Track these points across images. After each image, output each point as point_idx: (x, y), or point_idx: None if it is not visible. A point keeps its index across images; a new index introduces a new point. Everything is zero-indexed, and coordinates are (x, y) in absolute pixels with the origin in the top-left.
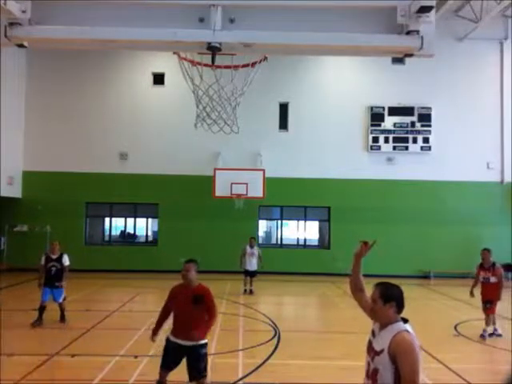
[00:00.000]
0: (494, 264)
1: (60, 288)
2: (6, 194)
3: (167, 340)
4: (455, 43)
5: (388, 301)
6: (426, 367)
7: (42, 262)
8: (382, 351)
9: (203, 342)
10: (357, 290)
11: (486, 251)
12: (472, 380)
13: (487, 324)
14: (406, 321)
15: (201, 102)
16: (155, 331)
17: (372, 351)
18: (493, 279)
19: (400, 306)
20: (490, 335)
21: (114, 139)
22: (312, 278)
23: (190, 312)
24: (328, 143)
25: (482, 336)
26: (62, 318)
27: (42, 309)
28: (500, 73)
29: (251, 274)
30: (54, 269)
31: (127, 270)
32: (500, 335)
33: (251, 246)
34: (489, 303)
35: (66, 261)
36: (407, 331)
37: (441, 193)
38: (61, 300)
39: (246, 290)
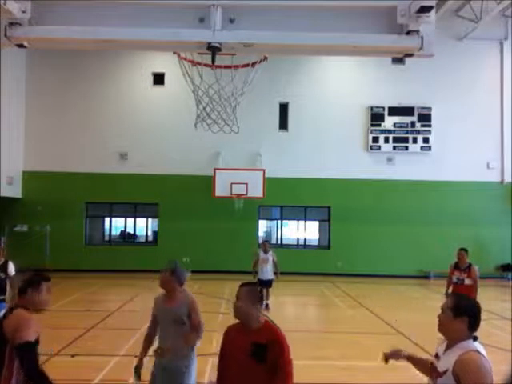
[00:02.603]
0: (470, 265)
1: (3, 303)
2: (5, 194)
3: None
4: (455, 43)
5: (460, 315)
6: None
7: None
8: (445, 372)
9: None
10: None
11: (462, 251)
12: None
13: None
14: (475, 338)
15: (201, 102)
16: None
17: (434, 373)
18: (467, 281)
19: (473, 325)
20: None
21: (114, 139)
22: (312, 277)
23: (247, 373)
24: (328, 143)
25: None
26: None
27: None
28: (500, 73)
29: (265, 284)
30: None
31: (127, 270)
32: None
33: (265, 251)
34: None
35: (11, 270)
36: (477, 351)
37: (441, 193)
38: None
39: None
